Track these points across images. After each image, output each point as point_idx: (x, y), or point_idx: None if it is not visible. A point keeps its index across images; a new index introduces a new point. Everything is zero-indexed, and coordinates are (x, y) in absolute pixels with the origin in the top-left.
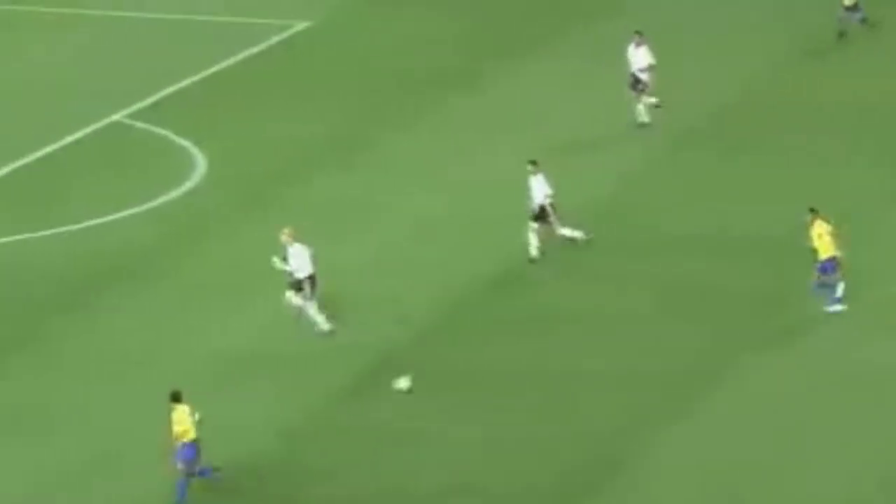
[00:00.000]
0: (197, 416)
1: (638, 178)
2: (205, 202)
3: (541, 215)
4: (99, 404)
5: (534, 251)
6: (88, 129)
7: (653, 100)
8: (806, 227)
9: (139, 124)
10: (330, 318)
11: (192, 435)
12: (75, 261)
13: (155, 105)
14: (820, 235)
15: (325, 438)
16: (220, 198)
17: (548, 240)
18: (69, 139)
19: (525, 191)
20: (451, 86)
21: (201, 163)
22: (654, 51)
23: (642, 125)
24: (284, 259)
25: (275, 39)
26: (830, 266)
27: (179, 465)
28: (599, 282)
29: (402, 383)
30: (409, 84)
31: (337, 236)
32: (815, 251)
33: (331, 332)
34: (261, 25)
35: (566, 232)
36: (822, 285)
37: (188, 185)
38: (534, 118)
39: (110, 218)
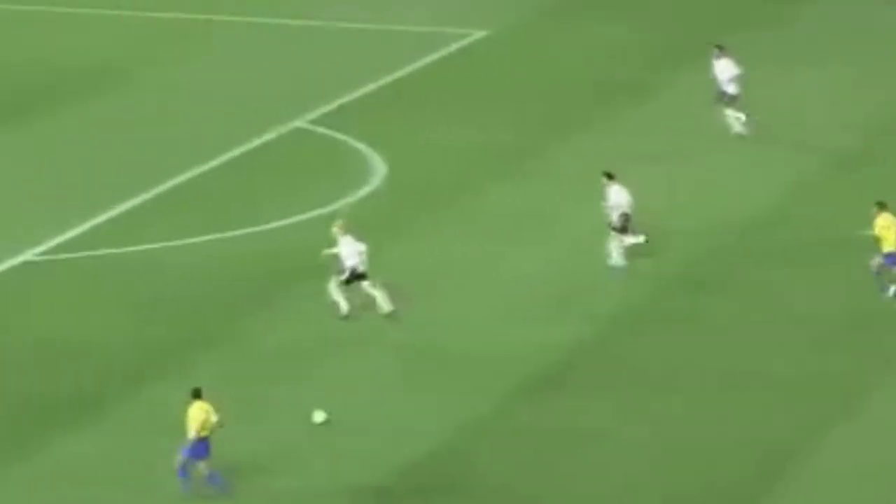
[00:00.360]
0: (215, 418)
1: (806, 189)
2: (383, 205)
3: (623, 225)
4: (282, 400)
5: (619, 259)
6: (273, 134)
7: (741, 116)
8: (871, 219)
9: (321, 130)
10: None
11: (204, 432)
12: (261, 261)
13: (336, 111)
14: (886, 227)
15: (502, 437)
16: (397, 201)
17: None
18: (255, 143)
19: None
20: (623, 94)
21: (380, 167)
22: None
23: (738, 136)
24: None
25: (453, 48)
26: (892, 260)
27: (183, 457)
28: (759, 288)
29: (318, 417)
30: (583, 93)
31: (512, 241)
32: (878, 240)
33: (344, 318)
34: (440, 34)
35: (631, 240)
36: (880, 273)
37: (367, 189)
38: (705, 127)
39: (294, 220)
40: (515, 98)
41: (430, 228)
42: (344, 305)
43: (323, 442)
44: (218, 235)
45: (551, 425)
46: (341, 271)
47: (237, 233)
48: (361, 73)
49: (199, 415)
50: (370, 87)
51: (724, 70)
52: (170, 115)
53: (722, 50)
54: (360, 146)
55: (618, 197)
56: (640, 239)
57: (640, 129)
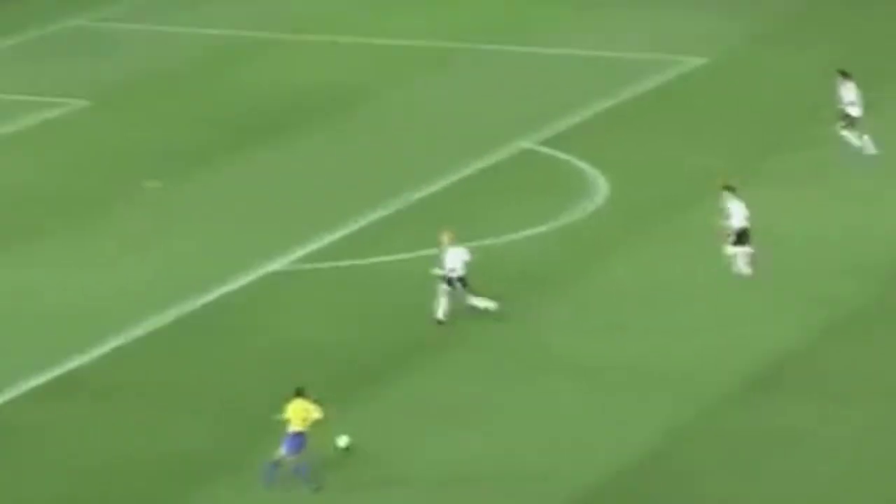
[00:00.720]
0: (317, 415)
1: None
2: (606, 222)
3: (742, 237)
4: (511, 402)
5: (746, 269)
6: (499, 155)
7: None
8: None
9: (545, 150)
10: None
11: (296, 427)
12: (489, 274)
13: (560, 133)
14: None
15: (710, 439)
16: (619, 219)
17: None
18: (482, 163)
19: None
20: (834, 115)
21: (603, 187)
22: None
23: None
24: (440, 262)
25: (672, 74)
26: None
27: (283, 452)
28: None
29: (342, 442)
30: (797, 115)
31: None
32: None
33: (486, 310)
34: (660, 61)
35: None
36: None
37: (590, 208)
38: None
39: (520, 235)
40: (731, 121)
41: (651, 244)
42: (489, 305)
43: (541, 450)
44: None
45: (758, 427)
46: (448, 281)
47: (467, 246)
48: (585, 97)
49: (299, 412)
50: (593, 110)
51: (847, 94)
52: (409, 135)
53: (846, 76)
54: (584, 166)
55: (737, 210)
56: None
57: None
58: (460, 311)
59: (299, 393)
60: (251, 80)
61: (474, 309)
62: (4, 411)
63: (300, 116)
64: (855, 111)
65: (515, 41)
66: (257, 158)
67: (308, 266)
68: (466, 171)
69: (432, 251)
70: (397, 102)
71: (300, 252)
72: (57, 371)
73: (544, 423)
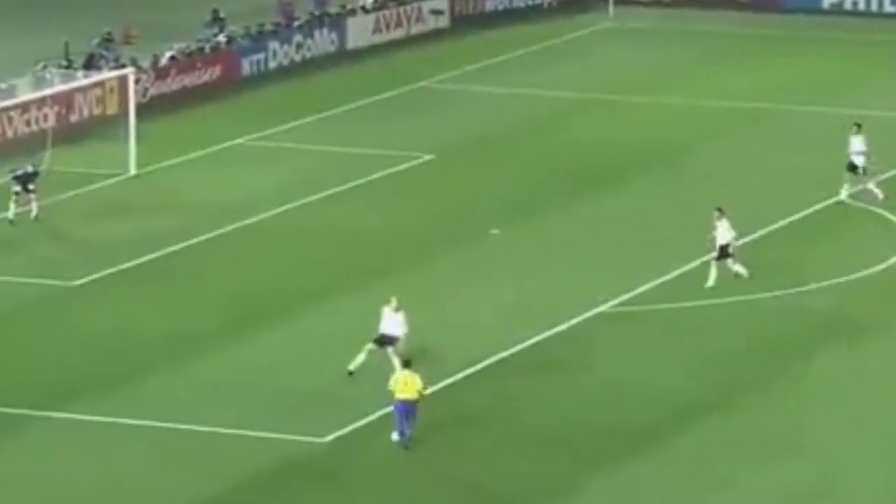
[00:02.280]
0: (425, 389)
1: None
2: None
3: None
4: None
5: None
6: (813, 207)
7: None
8: None
9: (859, 204)
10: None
11: (400, 395)
12: (803, 318)
13: (877, 185)
14: None
15: None
16: None
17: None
18: (798, 214)
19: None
20: None
21: None
22: None
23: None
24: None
25: None
26: None
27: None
28: None
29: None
30: None
31: None
32: None
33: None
34: None
35: (738, 268)
36: None
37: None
38: None
39: (837, 281)
40: None
41: None
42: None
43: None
44: (766, 294)
45: None
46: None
47: (786, 291)
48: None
49: (396, 379)
50: None
51: (855, 144)
52: (728, 185)
53: (859, 127)
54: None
55: (725, 231)
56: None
57: None
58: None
59: (406, 364)
60: (581, 137)
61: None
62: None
63: (627, 169)
64: (860, 161)
65: (830, 102)
66: (587, 207)
67: (635, 308)
68: (783, 221)
69: (752, 296)
70: (716, 157)
71: (628, 294)
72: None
73: (863, 457)
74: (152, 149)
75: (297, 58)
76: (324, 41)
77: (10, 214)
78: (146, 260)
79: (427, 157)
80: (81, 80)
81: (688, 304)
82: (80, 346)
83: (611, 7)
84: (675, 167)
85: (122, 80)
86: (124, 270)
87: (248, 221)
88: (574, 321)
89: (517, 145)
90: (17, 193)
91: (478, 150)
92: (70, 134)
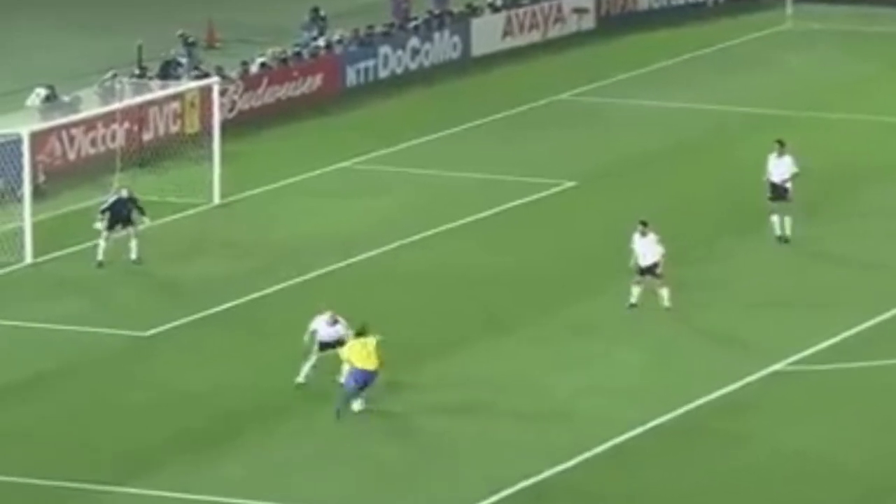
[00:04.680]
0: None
1: None
2: None
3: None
4: None
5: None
6: None
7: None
8: None
9: None
10: None
11: (361, 365)
12: None
13: None
14: None
15: None
16: None
17: None
18: None
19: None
20: None
21: None
22: None
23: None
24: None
25: None
26: None
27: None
28: None
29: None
30: None
31: None
32: None
33: None
34: None
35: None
36: None
37: None
38: None
39: None
40: None
41: None
42: None
43: None
44: None
45: None
46: None
47: None
48: None
49: (357, 348)
50: None
51: (785, 168)
52: None
53: (782, 146)
54: None
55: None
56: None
57: None
58: None
59: (360, 333)
60: (753, 159)
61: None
62: None
63: (810, 200)
64: (789, 185)
65: None
66: (760, 245)
67: (818, 367)
68: None
69: None
70: None
71: (810, 349)
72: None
73: None
74: (240, 173)
75: (413, 66)
76: (444, 46)
77: (100, 254)
78: (232, 305)
79: (568, 184)
80: (157, 91)
81: (879, 362)
82: (157, 407)
83: (789, 5)
84: (867, 198)
85: (206, 92)
86: (207, 317)
87: (352, 260)
88: (744, 381)
89: (675, 169)
90: (105, 228)
91: (628, 175)
92: (143, 156)
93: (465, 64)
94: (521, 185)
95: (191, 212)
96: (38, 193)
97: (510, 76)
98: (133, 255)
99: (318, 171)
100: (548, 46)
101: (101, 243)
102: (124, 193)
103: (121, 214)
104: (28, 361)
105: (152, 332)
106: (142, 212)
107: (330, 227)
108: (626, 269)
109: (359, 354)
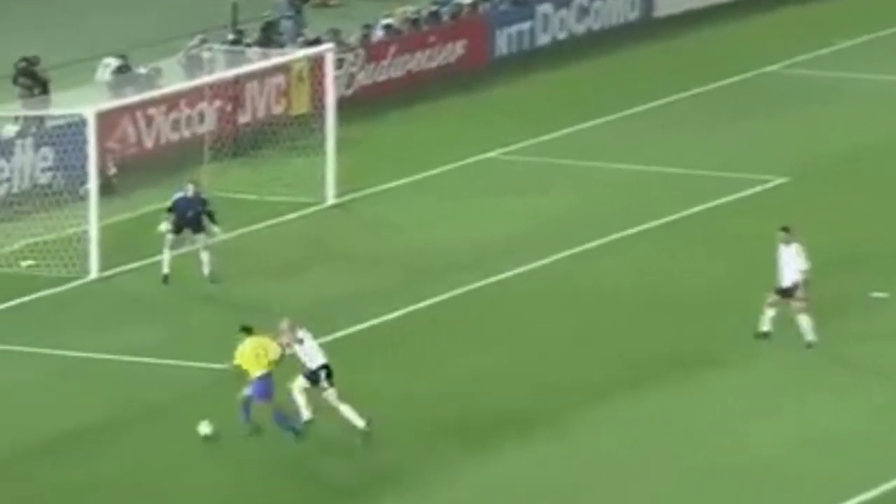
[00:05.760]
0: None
1: None
2: None
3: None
4: None
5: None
6: None
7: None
8: None
9: None
10: None
11: (255, 372)
12: None
13: None
14: None
15: None
16: None
17: None
18: None
19: None
20: None
21: None
22: None
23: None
24: None
25: None
26: None
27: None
28: None
29: (204, 429)
30: None
31: None
32: None
33: None
34: None
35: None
36: None
37: None
38: None
39: None
40: None
41: None
42: None
43: None
44: None
45: None
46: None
47: None
48: None
49: (248, 352)
50: None
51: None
52: None
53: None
54: None
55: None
56: None
57: None
58: None
59: (247, 330)
60: None
61: None
62: None
63: None
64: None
65: None
66: None
67: None
68: None
69: None
70: None
71: None
72: None
73: None
74: (360, 165)
75: (580, 29)
76: (620, 4)
77: (165, 268)
78: (355, 330)
79: (778, 181)
80: (256, 62)
81: None
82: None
83: None
84: None
85: (317, 63)
86: (323, 344)
87: (502, 276)
88: None
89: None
90: (171, 231)
91: (854, 170)
92: (238, 142)
93: (646, 27)
94: (718, 182)
95: (297, 214)
96: (106, 190)
97: (702, 44)
98: (206, 270)
99: (459, 164)
100: (750, 5)
101: (166, 253)
102: (189, 191)
103: (185, 217)
104: (97, 402)
105: None
106: (212, 218)
107: (476, 233)
108: (850, 280)
109: (253, 359)
